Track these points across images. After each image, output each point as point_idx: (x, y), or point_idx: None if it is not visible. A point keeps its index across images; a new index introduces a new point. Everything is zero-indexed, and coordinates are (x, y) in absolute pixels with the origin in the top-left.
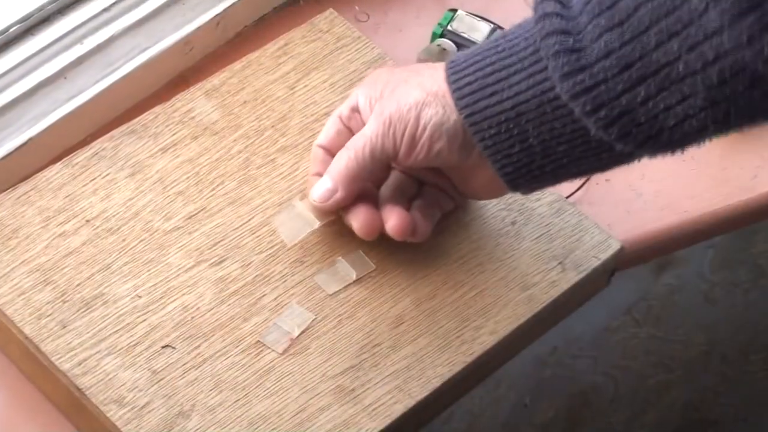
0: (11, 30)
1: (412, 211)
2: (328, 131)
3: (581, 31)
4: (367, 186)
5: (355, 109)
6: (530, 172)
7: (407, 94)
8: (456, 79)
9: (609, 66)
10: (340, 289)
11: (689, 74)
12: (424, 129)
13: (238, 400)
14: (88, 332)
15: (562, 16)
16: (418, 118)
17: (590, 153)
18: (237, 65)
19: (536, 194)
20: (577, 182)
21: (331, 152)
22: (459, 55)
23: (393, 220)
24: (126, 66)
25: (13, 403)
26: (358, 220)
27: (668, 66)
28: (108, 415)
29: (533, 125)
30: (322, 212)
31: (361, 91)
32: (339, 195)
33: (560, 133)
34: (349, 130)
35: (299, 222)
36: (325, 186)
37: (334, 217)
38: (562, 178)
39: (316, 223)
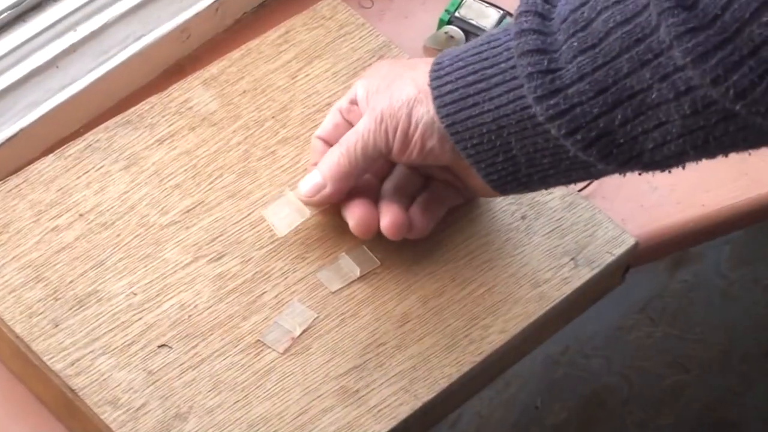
0: (2, 16)
1: (413, 207)
2: (326, 123)
3: (558, 49)
4: (369, 180)
5: (354, 102)
6: (517, 179)
7: (400, 90)
8: (438, 85)
9: (583, 90)
10: (343, 287)
11: (663, 102)
12: (416, 127)
13: (238, 401)
14: (81, 331)
15: (540, 32)
16: (409, 116)
17: (577, 166)
18: (236, 54)
19: None
20: None
21: (329, 144)
22: (445, 55)
23: (387, 218)
24: (121, 54)
25: (3, 405)
26: (353, 218)
27: (642, 93)
28: (102, 417)
29: (515, 138)
30: (306, 206)
31: (360, 83)
32: (327, 191)
33: (543, 147)
34: (347, 123)
35: (291, 212)
36: (314, 180)
37: (327, 206)
38: (552, 186)
39: (307, 213)
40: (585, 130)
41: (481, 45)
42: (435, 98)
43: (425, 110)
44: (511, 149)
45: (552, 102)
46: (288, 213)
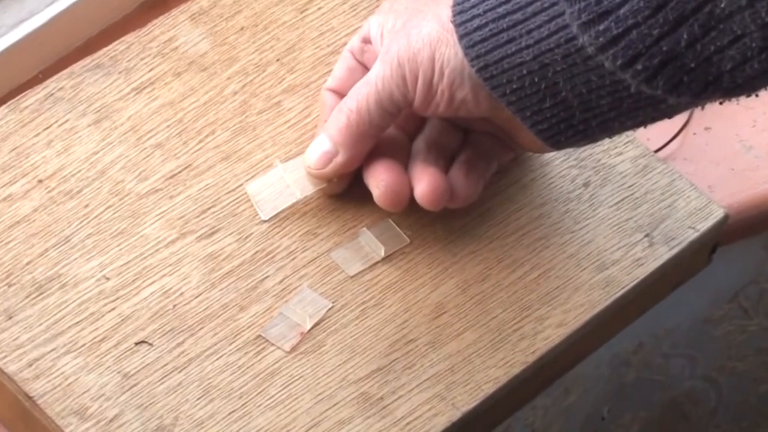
0: None
1: (453, 168)
2: (337, 70)
3: None
4: (395, 136)
5: (368, 40)
6: (572, 127)
7: (419, 29)
8: (463, 20)
9: (637, 8)
10: (364, 269)
11: (735, 11)
12: (442, 74)
13: (234, 411)
14: (40, 324)
15: None
16: (432, 60)
17: (643, 104)
18: None
19: (616, 147)
20: (668, 132)
21: (343, 96)
22: None
23: (422, 184)
24: None
25: None
26: (380, 184)
27: (708, 3)
28: (66, 430)
29: (563, 78)
30: (315, 178)
31: (374, 19)
32: (340, 159)
33: (599, 85)
34: (362, 67)
35: (279, 190)
36: (322, 148)
37: (326, 184)
38: (617, 131)
39: (298, 193)
40: (646, 57)
41: None
42: (461, 37)
43: (452, 53)
44: (560, 91)
45: (601, 27)
46: (275, 191)
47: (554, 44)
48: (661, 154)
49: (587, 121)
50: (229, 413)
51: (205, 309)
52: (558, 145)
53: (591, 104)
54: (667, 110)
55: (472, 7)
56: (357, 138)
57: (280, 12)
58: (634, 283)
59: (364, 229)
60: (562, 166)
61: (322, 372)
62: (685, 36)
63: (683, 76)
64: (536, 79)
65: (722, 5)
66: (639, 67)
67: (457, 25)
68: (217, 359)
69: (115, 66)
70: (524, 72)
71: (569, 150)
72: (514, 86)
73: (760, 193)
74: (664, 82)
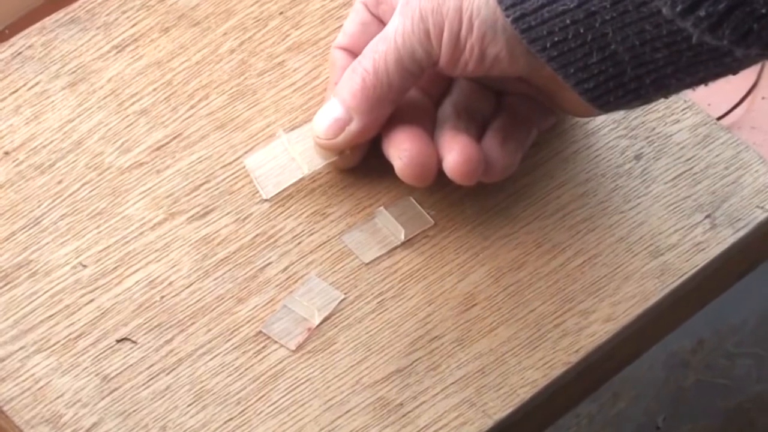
0: None
1: (487, 136)
2: (349, 25)
3: None
4: (419, 100)
5: None
6: (622, 86)
7: None
8: None
9: None
10: (381, 255)
11: None
12: (471, 27)
13: (231, 419)
14: (7, 318)
15: None
16: (459, 11)
17: (705, 57)
18: None
19: (673, 114)
20: (733, 97)
21: (356, 55)
22: None
23: (453, 154)
24: None
25: None
26: (403, 155)
27: None
28: None
29: (613, 28)
30: (324, 150)
31: None
32: (355, 127)
33: (654, 36)
34: (378, 21)
35: (283, 163)
36: (333, 114)
37: (337, 157)
38: (674, 90)
39: (305, 167)
40: (710, 1)
41: None
42: None
43: (482, 1)
44: (609, 44)
45: None
46: (279, 165)
47: None
48: (724, 121)
49: (640, 78)
50: (225, 422)
51: (197, 301)
52: (606, 107)
53: (644, 58)
54: (733, 65)
55: None
56: (374, 103)
57: None
58: (694, 271)
59: (382, 208)
60: (610, 136)
61: (332, 374)
62: None
63: (753, 23)
64: (582, 30)
65: None
66: (702, 13)
67: None
68: (211, 359)
69: (92, 20)
70: (568, 22)
71: (618, 117)
72: (556, 39)
73: None
74: (730, 30)
